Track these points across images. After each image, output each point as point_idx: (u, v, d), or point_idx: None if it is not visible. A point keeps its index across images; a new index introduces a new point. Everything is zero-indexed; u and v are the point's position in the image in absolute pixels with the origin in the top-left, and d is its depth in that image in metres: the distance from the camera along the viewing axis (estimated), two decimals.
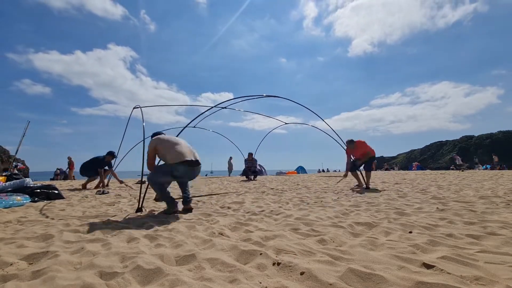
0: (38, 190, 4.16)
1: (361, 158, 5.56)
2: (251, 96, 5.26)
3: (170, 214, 2.79)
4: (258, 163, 10.49)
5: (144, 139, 3.91)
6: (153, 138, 3.00)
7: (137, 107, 5.07)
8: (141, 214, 2.86)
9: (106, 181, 6.89)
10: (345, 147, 5.75)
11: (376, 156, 5.73)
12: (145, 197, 3.34)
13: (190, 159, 2.84)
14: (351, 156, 5.71)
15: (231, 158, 17.24)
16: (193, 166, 2.92)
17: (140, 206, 3.09)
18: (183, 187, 3.04)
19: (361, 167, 5.80)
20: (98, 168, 6.42)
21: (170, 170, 2.82)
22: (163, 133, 3.21)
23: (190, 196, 3.06)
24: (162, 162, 2.99)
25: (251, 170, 9.64)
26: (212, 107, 5.25)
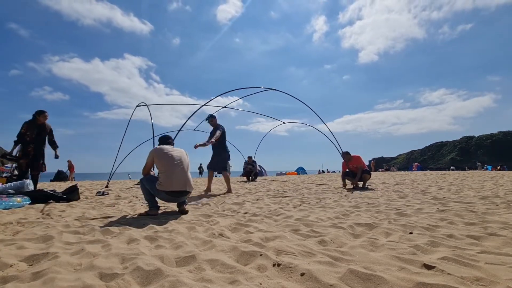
0: (64, 196, 4.10)
1: (354, 171, 5.80)
2: (249, 87, 5.24)
3: (149, 215, 2.82)
4: (258, 164, 10.54)
5: (153, 136, 3.92)
6: (155, 148, 2.97)
7: (141, 105, 5.08)
8: (136, 214, 2.86)
9: (106, 182, 6.85)
10: (341, 156, 5.90)
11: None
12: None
13: (177, 189, 2.83)
14: (346, 168, 5.99)
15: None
16: (177, 196, 2.89)
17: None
18: None
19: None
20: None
21: (155, 192, 2.84)
22: (170, 139, 3.18)
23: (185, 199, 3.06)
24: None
25: (251, 172, 9.74)
26: (206, 103, 5.26)
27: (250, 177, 9.73)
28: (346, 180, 5.98)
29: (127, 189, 6.45)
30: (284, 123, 8.15)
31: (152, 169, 3.05)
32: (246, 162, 10.13)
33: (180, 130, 4.16)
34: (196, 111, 4.89)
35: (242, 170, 10.41)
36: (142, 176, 3.01)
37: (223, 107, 6.25)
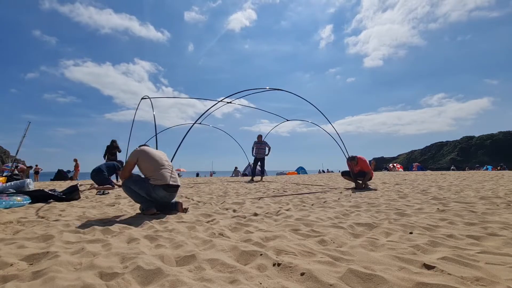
0: (64, 196, 4.13)
1: (356, 172, 5.81)
2: (255, 89, 5.25)
3: (145, 215, 2.77)
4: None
5: (156, 134, 3.96)
6: (137, 149, 2.91)
7: (145, 98, 5.19)
8: (136, 214, 2.86)
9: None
10: (347, 161, 5.89)
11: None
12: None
13: (171, 183, 2.81)
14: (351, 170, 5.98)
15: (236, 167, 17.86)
16: (172, 192, 2.89)
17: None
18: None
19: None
20: (118, 171, 6.49)
21: (149, 190, 2.77)
22: (147, 145, 3.14)
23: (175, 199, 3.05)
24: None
25: (258, 161, 8.98)
26: (215, 104, 5.27)
27: (258, 177, 9.09)
28: (346, 179, 6.00)
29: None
30: (288, 120, 8.20)
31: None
32: (255, 143, 9.27)
33: (192, 125, 4.26)
34: (206, 110, 4.95)
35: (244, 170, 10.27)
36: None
37: (228, 102, 6.23)
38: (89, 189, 5.99)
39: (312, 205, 3.39)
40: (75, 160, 14.70)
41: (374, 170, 21.57)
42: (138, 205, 3.56)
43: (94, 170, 6.39)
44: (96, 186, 6.16)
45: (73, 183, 8.33)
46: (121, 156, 7.27)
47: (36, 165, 16.56)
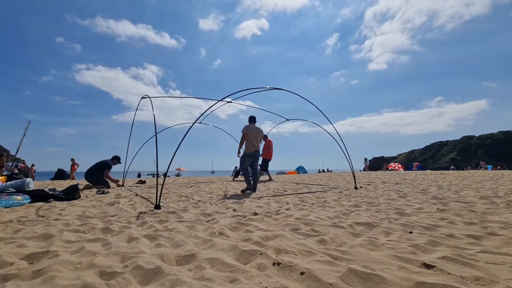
0: (64, 196, 4.12)
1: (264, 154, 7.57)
2: (254, 88, 5.21)
3: (245, 192, 4.48)
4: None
5: (156, 133, 3.97)
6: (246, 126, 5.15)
7: (145, 97, 5.19)
8: (137, 213, 2.86)
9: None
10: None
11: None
12: (162, 194, 3.33)
13: (253, 150, 5.12)
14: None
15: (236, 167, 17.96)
16: (254, 155, 5.17)
17: (158, 203, 3.20)
18: (253, 173, 5.28)
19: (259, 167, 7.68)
20: (105, 169, 6.54)
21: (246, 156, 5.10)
22: (254, 120, 5.35)
23: (255, 186, 5.17)
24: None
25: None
26: (216, 103, 5.26)
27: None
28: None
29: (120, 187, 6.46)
30: (288, 120, 8.19)
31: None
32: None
33: (192, 124, 4.28)
34: (206, 110, 4.97)
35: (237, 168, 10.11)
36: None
37: (228, 102, 6.24)
38: (82, 190, 5.99)
39: (312, 204, 3.39)
40: (72, 160, 14.85)
41: (372, 170, 21.56)
42: (138, 204, 3.56)
43: (87, 171, 6.44)
44: (91, 185, 6.21)
45: (73, 182, 8.33)
46: (121, 155, 7.31)
47: (32, 165, 16.70)
